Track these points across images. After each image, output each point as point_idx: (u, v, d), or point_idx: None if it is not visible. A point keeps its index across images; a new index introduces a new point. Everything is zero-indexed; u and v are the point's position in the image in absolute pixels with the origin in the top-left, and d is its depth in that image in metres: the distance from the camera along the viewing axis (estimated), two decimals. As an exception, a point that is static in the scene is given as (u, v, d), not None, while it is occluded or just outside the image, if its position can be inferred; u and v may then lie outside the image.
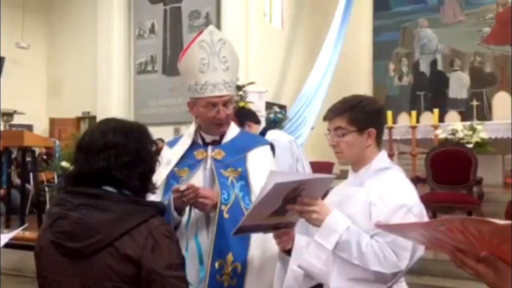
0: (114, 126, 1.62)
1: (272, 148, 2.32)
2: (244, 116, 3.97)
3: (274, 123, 8.44)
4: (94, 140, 1.59)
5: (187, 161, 2.15)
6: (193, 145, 2.20)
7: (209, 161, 2.14)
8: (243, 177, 2.11)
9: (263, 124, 4.67)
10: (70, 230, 1.52)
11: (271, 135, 3.80)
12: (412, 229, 1.19)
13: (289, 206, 1.67)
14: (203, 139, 2.21)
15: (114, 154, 1.56)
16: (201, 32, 2.14)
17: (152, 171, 1.67)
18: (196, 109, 2.14)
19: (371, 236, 1.66)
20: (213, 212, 2.02)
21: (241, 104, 7.08)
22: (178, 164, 2.15)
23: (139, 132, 1.64)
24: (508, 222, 0.98)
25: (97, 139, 1.58)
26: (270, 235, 1.85)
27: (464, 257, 1.09)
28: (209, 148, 2.17)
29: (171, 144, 2.28)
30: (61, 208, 1.56)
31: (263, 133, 3.86)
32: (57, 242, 1.54)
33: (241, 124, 3.77)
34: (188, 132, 2.24)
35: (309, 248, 1.69)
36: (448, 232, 1.06)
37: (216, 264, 1.99)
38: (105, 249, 1.50)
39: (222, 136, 2.20)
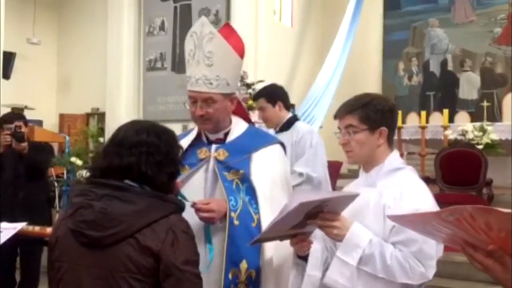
0: (148, 126, 1.70)
1: (283, 147, 2.24)
2: (278, 94, 3.79)
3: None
4: (128, 136, 1.66)
5: (189, 159, 2.07)
6: (197, 142, 2.14)
7: (211, 162, 2.06)
8: (246, 179, 2.02)
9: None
10: (93, 219, 1.55)
11: (302, 126, 3.75)
12: (424, 220, 1.17)
13: (310, 221, 1.65)
14: (207, 137, 2.14)
15: (146, 152, 1.62)
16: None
17: (178, 173, 1.76)
18: None
19: (393, 245, 1.62)
20: (223, 222, 1.94)
21: (250, 102, 7.06)
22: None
23: (170, 136, 1.73)
24: None
25: (131, 136, 1.65)
26: None
27: (474, 251, 1.08)
28: (213, 147, 2.09)
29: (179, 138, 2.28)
30: (84, 198, 1.60)
31: (291, 122, 3.70)
32: (78, 230, 1.57)
33: (272, 101, 3.65)
34: (197, 128, 2.18)
35: (332, 265, 1.65)
36: (458, 223, 1.04)
37: (230, 275, 1.91)
38: (125, 239, 1.53)
39: (226, 134, 2.11)
